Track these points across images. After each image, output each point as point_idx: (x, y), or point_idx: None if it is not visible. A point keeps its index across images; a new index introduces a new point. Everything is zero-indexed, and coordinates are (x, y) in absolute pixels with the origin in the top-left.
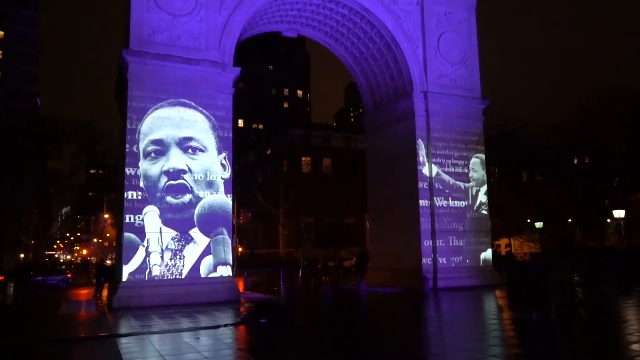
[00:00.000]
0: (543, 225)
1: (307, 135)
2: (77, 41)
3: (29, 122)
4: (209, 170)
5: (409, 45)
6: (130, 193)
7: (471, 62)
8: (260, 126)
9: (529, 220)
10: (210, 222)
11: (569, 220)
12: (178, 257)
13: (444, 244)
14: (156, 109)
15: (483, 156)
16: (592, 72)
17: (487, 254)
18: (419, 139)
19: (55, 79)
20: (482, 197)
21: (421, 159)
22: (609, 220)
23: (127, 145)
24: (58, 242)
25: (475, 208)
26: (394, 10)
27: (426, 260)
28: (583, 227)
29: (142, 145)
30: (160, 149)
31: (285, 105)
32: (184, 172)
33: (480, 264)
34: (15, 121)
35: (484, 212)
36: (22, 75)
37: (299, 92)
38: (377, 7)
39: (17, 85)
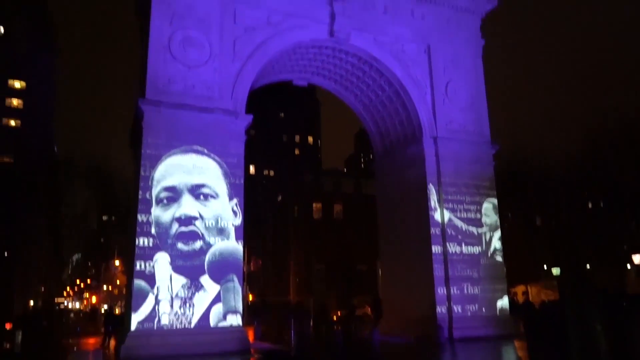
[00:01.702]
0: (560, 271)
1: (318, 181)
2: (94, 89)
3: (44, 168)
4: (220, 216)
5: (417, 92)
6: (141, 239)
7: (480, 107)
8: (272, 172)
9: (545, 267)
10: (220, 269)
11: (587, 265)
12: (187, 305)
13: (458, 292)
14: (169, 155)
15: (495, 201)
16: (603, 100)
17: (504, 302)
18: (430, 184)
19: (72, 124)
20: (496, 243)
21: (432, 204)
22: (629, 267)
23: (140, 192)
24: (68, 288)
25: (489, 254)
26: (402, 59)
27: (440, 309)
28: (601, 273)
29: (154, 191)
30: (173, 195)
31: (297, 151)
32: (195, 218)
33: (497, 313)
34: (30, 167)
35: (499, 258)
36: (40, 123)
37: (310, 139)
38: (386, 56)
39: (35, 132)
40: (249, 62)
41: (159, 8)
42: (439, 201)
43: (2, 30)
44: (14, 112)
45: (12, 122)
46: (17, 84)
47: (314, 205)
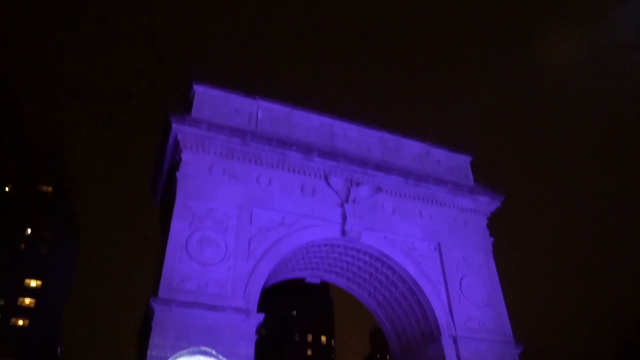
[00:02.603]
0: None
1: None
2: (105, 290)
3: None
4: None
5: (431, 289)
6: None
7: (497, 304)
8: None
9: None
10: None
11: None
12: None
13: None
14: (175, 358)
15: None
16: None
17: None
18: None
19: (79, 323)
20: None
21: None
22: None
23: None
24: None
25: None
26: (414, 256)
27: None
28: None
29: None
30: None
31: (309, 352)
32: None
33: None
34: None
35: None
36: (47, 323)
37: (323, 338)
38: (397, 253)
39: (41, 332)
40: (263, 260)
41: (180, 211)
42: None
43: (29, 231)
44: (24, 312)
45: (20, 322)
46: (33, 283)
47: None
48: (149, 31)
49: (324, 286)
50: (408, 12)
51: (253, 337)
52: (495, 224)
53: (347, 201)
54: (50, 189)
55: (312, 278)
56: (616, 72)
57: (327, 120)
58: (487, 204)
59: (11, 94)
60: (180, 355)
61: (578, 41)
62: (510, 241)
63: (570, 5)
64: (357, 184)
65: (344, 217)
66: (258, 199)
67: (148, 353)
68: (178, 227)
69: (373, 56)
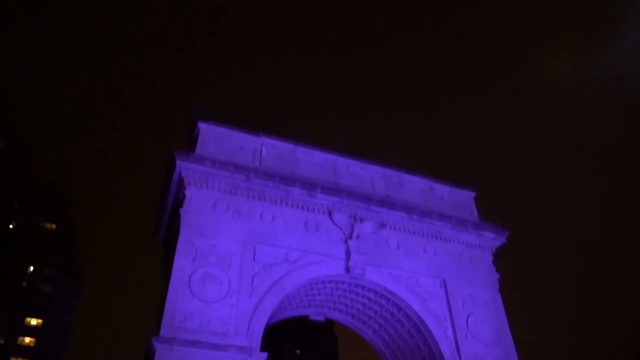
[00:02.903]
0: None
1: None
2: (106, 329)
3: None
4: None
5: (437, 326)
6: None
7: (505, 342)
8: None
9: None
10: None
11: None
12: None
13: None
14: None
15: None
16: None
17: None
18: None
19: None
20: None
21: None
22: None
23: None
24: None
25: None
26: (419, 293)
27: None
28: None
29: None
30: None
31: None
32: None
33: None
34: None
35: None
36: None
37: None
38: (402, 290)
39: None
40: (267, 297)
41: (183, 248)
42: None
43: (32, 269)
44: (24, 351)
45: None
46: (34, 322)
47: None
48: (154, 70)
49: (328, 324)
50: (409, 49)
51: None
52: (501, 259)
53: (351, 237)
54: (53, 226)
55: (316, 315)
56: (621, 97)
57: (330, 157)
58: (492, 239)
59: (17, 132)
60: None
61: (581, 66)
62: (517, 277)
63: (574, 27)
64: (361, 220)
65: (348, 253)
66: (262, 236)
67: None
68: (181, 263)
69: (375, 93)
